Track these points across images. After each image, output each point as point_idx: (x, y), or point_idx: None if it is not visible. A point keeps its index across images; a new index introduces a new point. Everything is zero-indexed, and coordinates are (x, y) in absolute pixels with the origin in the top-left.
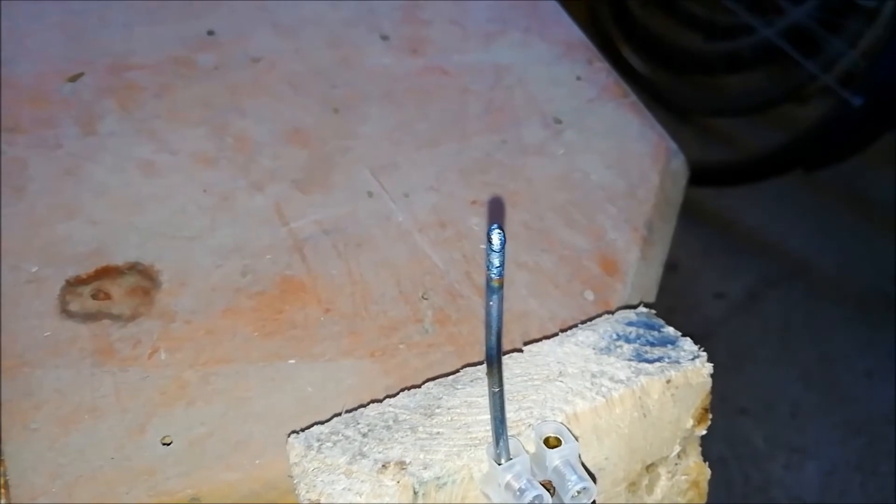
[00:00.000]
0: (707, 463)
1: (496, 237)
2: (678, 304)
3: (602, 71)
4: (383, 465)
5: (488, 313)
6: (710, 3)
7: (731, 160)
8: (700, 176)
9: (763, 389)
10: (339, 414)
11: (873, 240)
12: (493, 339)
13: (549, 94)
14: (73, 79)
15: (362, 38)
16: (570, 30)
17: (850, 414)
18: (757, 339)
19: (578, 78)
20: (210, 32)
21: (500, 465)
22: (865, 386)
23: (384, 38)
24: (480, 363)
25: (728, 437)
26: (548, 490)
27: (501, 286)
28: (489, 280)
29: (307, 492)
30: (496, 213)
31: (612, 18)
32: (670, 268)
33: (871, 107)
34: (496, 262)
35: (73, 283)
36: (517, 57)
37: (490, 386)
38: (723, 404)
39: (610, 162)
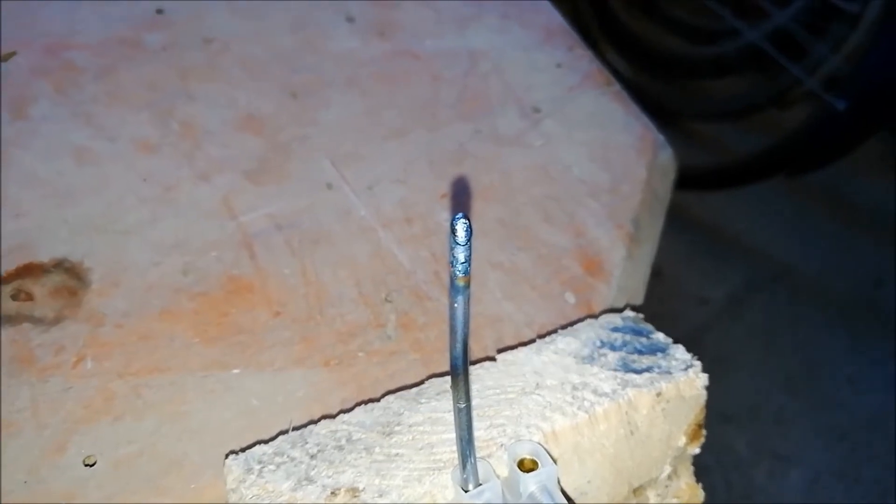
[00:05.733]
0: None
1: (461, 228)
2: (661, 310)
3: (584, 58)
4: (332, 492)
5: (452, 317)
6: (695, 7)
7: (715, 164)
8: (684, 180)
9: (746, 395)
10: (286, 431)
11: (856, 245)
12: (459, 346)
13: (527, 82)
14: (6, 58)
15: (327, 20)
16: (550, 15)
17: (834, 420)
18: (740, 344)
19: (559, 65)
20: (159, 11)
21: (466, 491)
22: (848, 392)
23: (350, 20)
24: (448, 373)
25: (711, 444)
26: None
27: (468, 285)
28: (453, 278)
29: None
30: (467, 207)
31: (597, 22)
32: (653, 273)
33: (855, 111)
34: (461, 256)
35: None
36: (494, 42)
37: (455, 401)
38: (706, 411)
39: (592, 154)
